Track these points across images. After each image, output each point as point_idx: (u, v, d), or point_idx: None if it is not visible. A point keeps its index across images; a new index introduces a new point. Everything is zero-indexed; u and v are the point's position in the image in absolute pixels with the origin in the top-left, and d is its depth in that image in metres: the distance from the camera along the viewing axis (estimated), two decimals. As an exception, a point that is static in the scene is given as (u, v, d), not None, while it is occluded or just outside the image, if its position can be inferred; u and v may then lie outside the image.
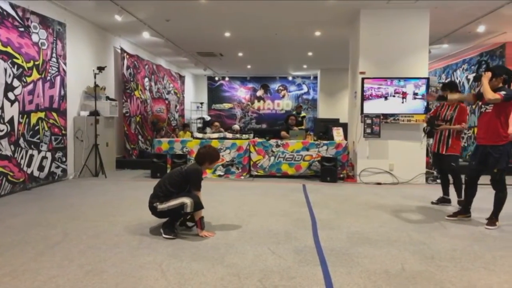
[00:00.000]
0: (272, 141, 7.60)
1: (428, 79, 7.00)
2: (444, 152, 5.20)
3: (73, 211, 4.80)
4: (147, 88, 10.96)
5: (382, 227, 4.23)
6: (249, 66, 15.01)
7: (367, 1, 6.68)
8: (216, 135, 8.02)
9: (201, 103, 16.72)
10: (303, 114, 12.37)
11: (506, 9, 6.74)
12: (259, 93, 17.68)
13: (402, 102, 6.95)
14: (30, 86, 6.17)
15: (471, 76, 10.04)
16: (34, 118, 6.26)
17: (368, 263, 3.17)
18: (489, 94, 4.09)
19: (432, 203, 5.44)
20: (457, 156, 5.23)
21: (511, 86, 4.29)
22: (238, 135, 8.09)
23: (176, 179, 3.89)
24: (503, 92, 4.07)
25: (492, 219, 4.25)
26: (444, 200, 5.33)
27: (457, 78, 10.77)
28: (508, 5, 6.53)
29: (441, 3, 6.70)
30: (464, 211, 4.57)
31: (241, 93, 17.73)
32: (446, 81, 10.05)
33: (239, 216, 4.66)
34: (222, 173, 7.59)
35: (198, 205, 3.79)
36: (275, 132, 8.49)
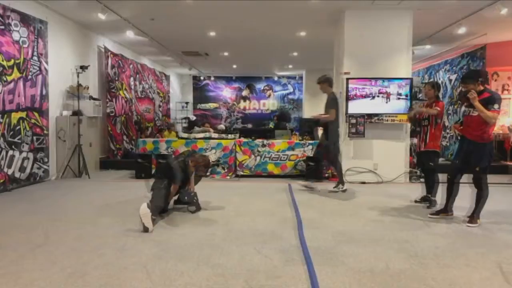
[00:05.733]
0: (258, 141, 7.60)
1: (411, 79, 7.10)
2: (423, 149, 5.29)
3: (55, 213, 4.71)
4: (132, 87, 10.84)
5: (366, 226, 4.27)
6: (234, 66, 14.98)
7: (351, 1, 6.73)
8: (201, 135, 7.97)
9: (186, 103, 16.63)
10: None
11: (487, 11, 6.88)
12: (245, 93, 17.67)
13: (386, 102, 7.03)
14: (11, 85, 6.04)
15: (453, 77, 10.23)
16: (14, 118, 6.12)
17: (353, 262, 3.19)
18: (492, 119, 4.16)
19: (416, 201, 5.51)
20: (436, 153, 5.26)
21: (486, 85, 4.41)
22: (223, 135, 8.06)
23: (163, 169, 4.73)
24: (496, 107, 4.15)
25: (474, 217, 4.33)
26: (427, 199, 5.40)
27: (439, 79, 10.96)
28: (489, 7, 6.67)
29: (424, 5, 6.80)
30: (446, 210, 4.63)
31: (227, 92, 17.69)
32: (429, 80, 10.23)
33: (225, 216, 4.64)
34: (207, 173, 7.55)
35: (152, 211, 4.09)
36: (261, 132, 8.50)
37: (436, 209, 4.83)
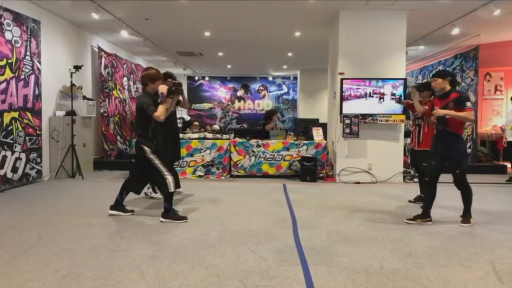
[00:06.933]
0: (253, 141, 7.60)
1: (405, 80, 7.13)
2: (416, 148, 5.32)
3: (48, 214, 4.67)
4: (126, 87, 10.79)
5: (361, 226, 4.28)
6: (229, 66, 14.97)
7: (346, 1, 6.75)
8: (196, 135, 7.95)
9: (181, 103, 16.57)
10: None
11: (480, 12, 6.93)
12: (240, 93, 17.67)
13: (380, 103, 7.06)
14: (3, 85, 5.99)
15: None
16: (7, 118, 6.07)
17: (347, 261, 3.20)
18: (470, 117, 4.16)
19: (410, 201, 5.54)
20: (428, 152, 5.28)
21: (456, 86, 4.45)
22: (218, 135, 8.04)
23: (137, 119, 4.43)
24: (469, 104, 4.16)
25: (466, 216, 4.35)
26: (421, 199, 5.43)
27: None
28: (482, 8, 6.71)
29: (418, 5, 6.83)
30: (423, 215, 4.40)
31: (222, 93, 17.67)
32: (422, 81, 10.29)
33: (219, 216, 4.63)
34: (202, 174, 7.54)
35: (177, 184, 4.32)
36: (256, 132, 8.49)
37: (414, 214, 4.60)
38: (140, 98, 4.39)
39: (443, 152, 4.29)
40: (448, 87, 4.31)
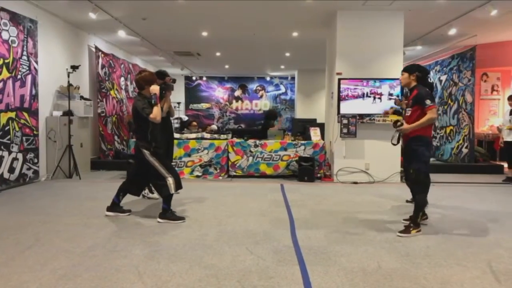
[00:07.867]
0: (251, 141, 7.59)
1: (402, 80, 7.14)
2: None
3: (45, 214, 4.66)
4: (123, 87, 10.77)
5: (358, 226, 4.29)
6: (227, 66, 14.96)
7: (343, 1, 6.76)
8: (194, 135, 7.94)
9: (178, 103, 16.55)
10: None
11: (477, 13, 6.95)
12: (237, 93, 17.67)
13: (377, 103, 7.07)
14: (0, 85, 5.97)
15: (443, 78, 10.32)
16: (4, 118, 6.05)
17: (345, 261, 3.21)
18: (431, 119, 3.96)
19: (407, 201, 5.55)
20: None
21: (425, 83, 4.24)
22: (216, 135, 8.04)
23: (134, 122, 4.41)
24: (429, 102, 3.93)
25: (409, 227, 3.95)
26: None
27: (430, 79, 11.04)
28: (479, 8, 6.74)
29: (415, 6, 6.85)
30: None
31: (219, 93, 17.66)
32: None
33: (217, 216, 4.63)
34: (200, 174, 7.53)
35: (178, 185, 4.28)
36: (254, 132, 8.49)
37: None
38: (136, 101, 4.36)
39: (407, 150, 4.28)
40: (413, 83, 4.12)
